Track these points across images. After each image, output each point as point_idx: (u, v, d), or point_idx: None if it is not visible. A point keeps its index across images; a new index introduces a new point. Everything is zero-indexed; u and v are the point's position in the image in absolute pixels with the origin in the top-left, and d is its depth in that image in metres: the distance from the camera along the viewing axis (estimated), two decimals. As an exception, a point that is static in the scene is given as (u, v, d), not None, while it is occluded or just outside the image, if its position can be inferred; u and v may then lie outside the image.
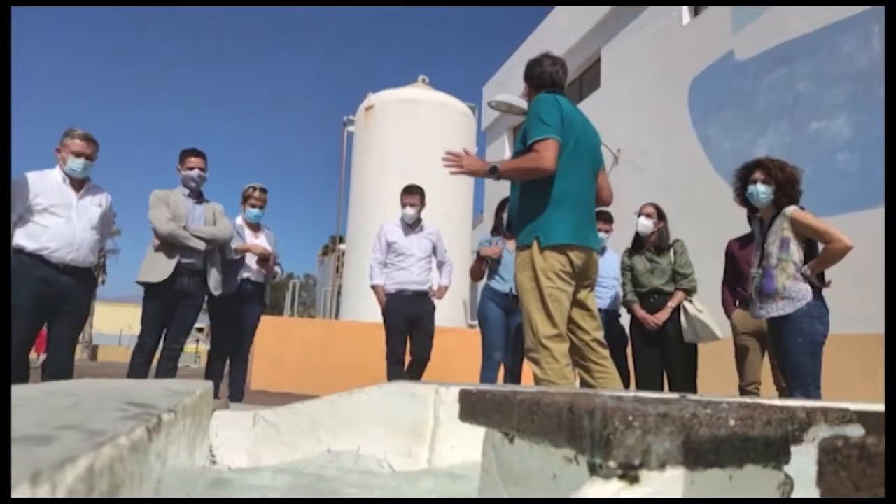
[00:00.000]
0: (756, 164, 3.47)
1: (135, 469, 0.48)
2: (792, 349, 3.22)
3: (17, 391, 0.87)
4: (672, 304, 4.23)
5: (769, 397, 3.18)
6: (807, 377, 3.18)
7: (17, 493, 0.27)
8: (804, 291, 3.22)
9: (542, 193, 2.76)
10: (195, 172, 4.20)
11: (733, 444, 0.80)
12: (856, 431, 1.03)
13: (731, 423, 0.81)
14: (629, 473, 0.75)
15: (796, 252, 3.27)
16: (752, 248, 4.01)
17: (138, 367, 3.92)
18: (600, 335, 2.92)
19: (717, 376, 4.46)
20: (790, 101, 7.74)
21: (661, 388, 4.27)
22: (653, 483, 0.76)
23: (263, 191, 4.69)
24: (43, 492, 0.29)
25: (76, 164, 3.53)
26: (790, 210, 3.32)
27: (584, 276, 2.86)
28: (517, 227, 2.91)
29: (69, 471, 0.33)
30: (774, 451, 0.83)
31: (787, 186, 3.35)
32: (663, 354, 4.28)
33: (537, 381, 2.71)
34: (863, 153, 6.42)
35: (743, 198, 3.55)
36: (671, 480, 0.76)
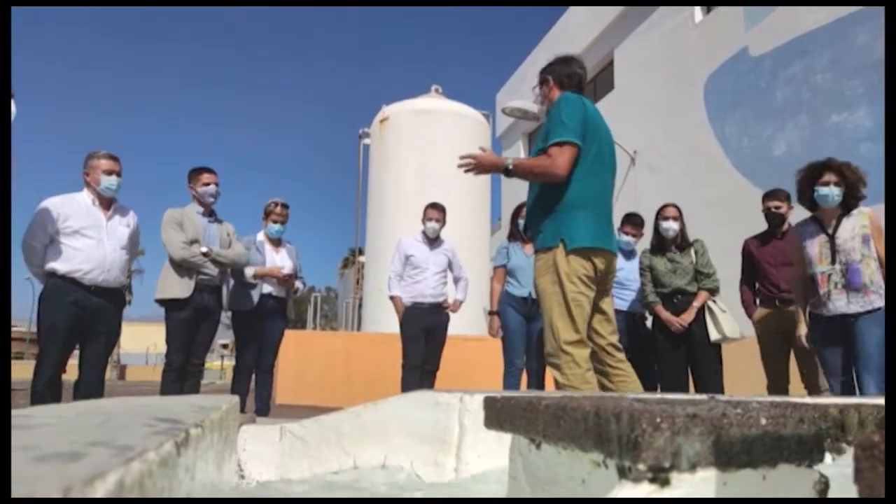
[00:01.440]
0: (825, 165, 3.47)
1: (164, 483, 0.49)
2: (877, 341, 3.21)
3: (49, 411, 0.88)
4: (697, 304, 4.18)
5: (800, 396, 3.13)
6: (880, 370, 3.14)
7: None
8: (883, 287, 3.28)
9: (566, 196, 2.72)
10: (212, 188, 4.21)
11: (765, 444, 0.79)
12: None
13: (763, 421, 0.80)
14: (659, 476, 0.74)
15: (874, 250, 3.35)
16: (777, 247, 3.95)
17: (169, 385, 3.96)
18: (615, 339, 2.89)
19: (742, 377, 4.40)
20: (808, 94, 7.64)
21: (686, 390, 4.22)
22: (684, 485, 0.74)
23: (285, 206, 4.72)
24: (74, 506, 0.29)
25: (111, 181, 3.59)
26: (868, 210, 3.41)
27: (604, 281, 2.83)
28: (536, 230, 2.87)
29: (99, 486, 0.33)
30: (808, 450, 0.81)
31: (855, 187, 3.40)
32: (689, 356, 4.22)
33: (558, 386, 2.68)
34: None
35: (807, 198, 3.54)
36: (702, 482, 0.75)
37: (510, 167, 2.81)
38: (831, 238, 3.42)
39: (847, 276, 3.33)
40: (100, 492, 0.33)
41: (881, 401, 1.06)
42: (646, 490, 0.74)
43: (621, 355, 2.87)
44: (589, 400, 0.96)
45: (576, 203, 2.70)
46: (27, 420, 0.70)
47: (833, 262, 3.39)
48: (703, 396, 1.45)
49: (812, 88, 7.58)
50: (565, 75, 2.94)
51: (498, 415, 1.18)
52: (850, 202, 3.41)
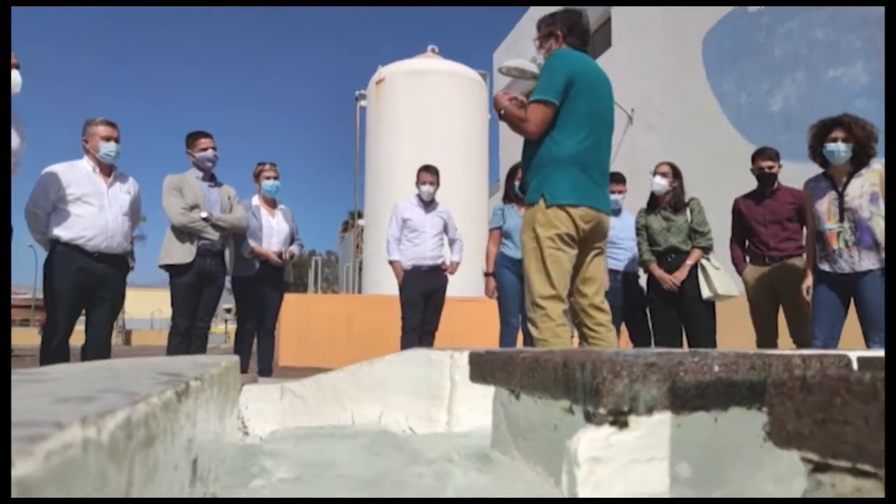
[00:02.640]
0: (835, 122, 3.46)
1: (166, 425, 0.56)
2: (883, 299, 3.24)
3: (60, 369, 0.95)
4: (690, 262, 4.23)
5: (790, 349, 3.21)
6: (882, 327, 3.20)
7: (68, 433, 0.34)
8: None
9: (550, 151, 2.71)
10: (209, 153, 4.24)
11: (718, 389, 0.86)
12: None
13: (716, 368, 0.87)
14: (619, 419, 0.82)
15: (883, 207, 3.32)
16: (767, 206, 3.99)
17: (176, 347, 4.07)
18: (599, 300, 2.88)
19: (735, 334, 4.49)
20: (805, 49, 7.57)
21: (680, 347, 4.32)
22: (641, 427, 0.82)
23: (273, 164, 4.75)
24: (91, 432, 0.36)
25: (109, 147, 3.62)
26: (880, 167, 3.36)
27: (591, 240, 2.81)
28: (526, 186, 2.88)
29: (110, 420, 0.40)
30: (759, 394, 0.88)
31: (866, 144, 3.38)
32: (682, 313, 4.30)
33: (534, 341, 2.71)
34: (881, 99, 6.29)
35: (818, 154, 3.54)
36: (658, 424, 0.82)
37: (502, 113, 2.81)
38: (840, 195, 3.43)
39: (857, 234, 3.35)
40: (111, 424, 0.40)
41: (845, 353, 1.13)
42: (606, 432, 0.81)
43: (602, 317, 2.86)
44: (560, 353, 1.03)
45: (560, 159, 2.69)
46: (42, 376, 0.77)
47: (841, 219, 3.40)
48: (680, 350, 1.53)
49: (810, 43, 7.50)
50: (572, 24, 2.88)
51: (482, 369, 1.26)
52: (861, 159, 3.40)
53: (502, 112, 2.82)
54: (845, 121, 3.42)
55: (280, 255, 4.65)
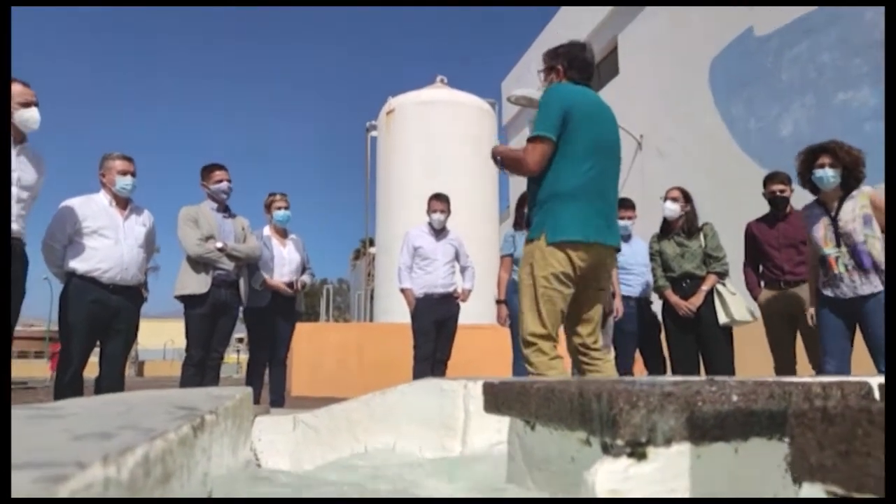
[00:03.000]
0: (821, 148, 3.51)
1: (183, 461, 0.56)
2: (884, 322, 3.23)
3: (76, 403, 0.96)
4: (705, 287, 4.20)
5: (809, 375, 3.17)
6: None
7: (90, 472, 0.34)
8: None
9: (552, 186, 2.67)
10: (224, 185, 4.33)
11: (737, 419, 0.84)
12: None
13: (735, 398, 0.85)
14: (637, 450, 0.80)
15: (877, 229, 3.35)
16: (780, 230, 3.98)
17: (190, 379, 4.08)
18: (591, 340, 2.81)
19: (752, 360, 4.43)
20: (814, 73, 7.59)
21: (697, 374, 4.27)
22: (660, 458, 0.81)
23: (284, 195, 4.81)
24: (111, 471, 0.36)
25: (125, 182, 3.69)
26: (869, 189, 3.41)
27: (592, 277, 2.73)
28: (530, 222, 2.84)
29: (130, 457, 0.40)
30: (779, 424, 0.87)
31: (854, 169, 3.42)
32: (699, 340, 4.25)
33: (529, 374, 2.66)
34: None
35: (807, 181, 3.58)
36: (677, 455, 0.81)
37: (498, 158, 2.83)
38: (833, 220, 3.45)
39: (855, 258, 3.35)
40: (131, 461, 0.40)
41: (866, 379, 1.11)
42: (624, 464, 0.80)
43: (597, 353, 2.81)
44: (576, 383, 1.02)
45: (562, 193, 2.64)
46: (58, 411, 0.77)
47: (838, 244, 3.41)
48: (699, 379, 1.51)
49: (818, 67, 7.53)
50: (574, 58, 2.86)
51: (496, 399, 1.25)
52: (850, 183, 3.43)
53: (498, 157, 2.83)
54: (831, 147, 3.47)
55: (291, 285, 4.67)
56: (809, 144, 3.61)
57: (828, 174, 3.44)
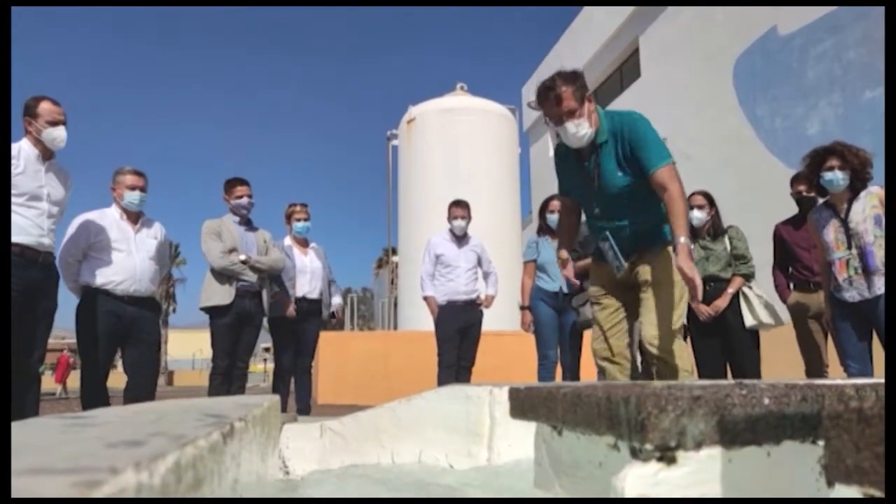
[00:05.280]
0: (828, 150, 3.49)
1: (213, 467, 0.56)
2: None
3: (109, 411, 0.97)
4: (731, 290, 4.12)
5: (840, 378, 3.10)
6: None
7: (122, 478, 0.35)
8: None
9: (660, 211, 2.79)
10: (244, 200, 4.42)
11: (769, 422, 0.83)
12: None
13: (766, 401, 0.84)
14: (666, 455, 0.79)
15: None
16: (809, 230, 3.92)
17: (217, 388, 4.16)
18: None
19: (780, 363, 4.35)
20: (840, 71, 7.47)
21: (724, 378, 4.20)
22: (690, 462, 0.79)
23: (304, 205, 4.87)
24: (143, 477, 0.37)
25: (133, 196, 3.77)
26: (877, 189, 3.38)
27: None
28: (647, 237, 2.82)
29: (161, 463, 0.41)
30: (812, 426, 0.85)
31: (861, 170, 3.39)
32: (725, 343, 4.18)
33: (675, 373, 2.67)
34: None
35: (816, 184, 3.56)
36: (708, 459, 0.80)
37: (682, 240, 2.59)
38: (844, 222, 3.41)
39: (863, 260, 3.33)
40: (162, 468, 0.41)
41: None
42: (654, 468, 0.79)
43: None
44: (602, 388, 1.01)
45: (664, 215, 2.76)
46: (91, 420, 0.78)
47: (849, 246, 3.39)
48: (728, 382, 1.49)
49: (844, 65, 7.40)
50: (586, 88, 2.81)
51: (522, 405, 1.24)
52: (857, 185, 3.41)
53: (682, 239, 2.60)
54: (838, 149, 3.44)
55: (329, 315, 4.86)
56: (814, 148, 3.59)
57: (837, 176, 3.42)
